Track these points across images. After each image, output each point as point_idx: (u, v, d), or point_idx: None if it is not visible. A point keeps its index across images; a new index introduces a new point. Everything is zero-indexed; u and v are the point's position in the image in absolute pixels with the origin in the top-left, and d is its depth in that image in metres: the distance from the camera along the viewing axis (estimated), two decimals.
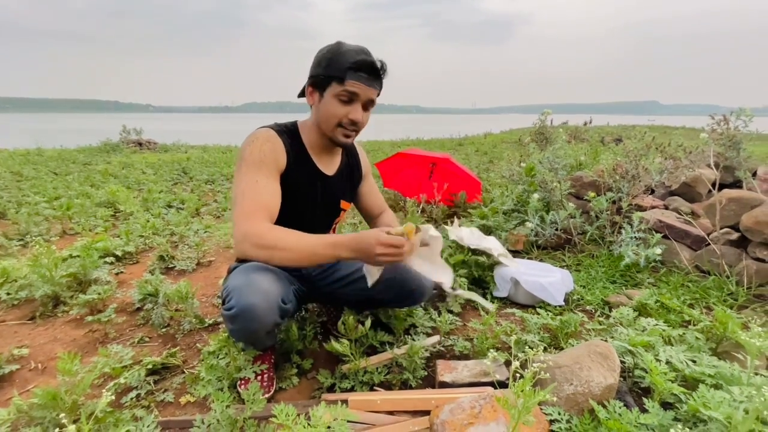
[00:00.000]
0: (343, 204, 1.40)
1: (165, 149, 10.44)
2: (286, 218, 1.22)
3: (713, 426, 0.91)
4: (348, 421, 0.96)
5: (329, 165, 1.32)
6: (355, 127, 1.19)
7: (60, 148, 10.05)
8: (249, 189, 1.10)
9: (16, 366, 1.41)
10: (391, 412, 1.15)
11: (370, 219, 1.54)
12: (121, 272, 2.30)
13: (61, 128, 32.24)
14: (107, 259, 2.33)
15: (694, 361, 1.19)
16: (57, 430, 1.03)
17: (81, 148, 10.00)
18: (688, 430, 0.93)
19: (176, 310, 1.75)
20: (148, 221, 2.96)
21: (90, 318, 1.64)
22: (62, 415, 0.66)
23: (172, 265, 2.33)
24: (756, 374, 1.07)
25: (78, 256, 2.23)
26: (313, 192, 1.28)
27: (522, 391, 0.63)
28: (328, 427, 0.92)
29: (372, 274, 1.16)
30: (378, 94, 1.20)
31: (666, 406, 1.07)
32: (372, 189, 1.51)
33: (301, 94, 1.24)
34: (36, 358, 1.49)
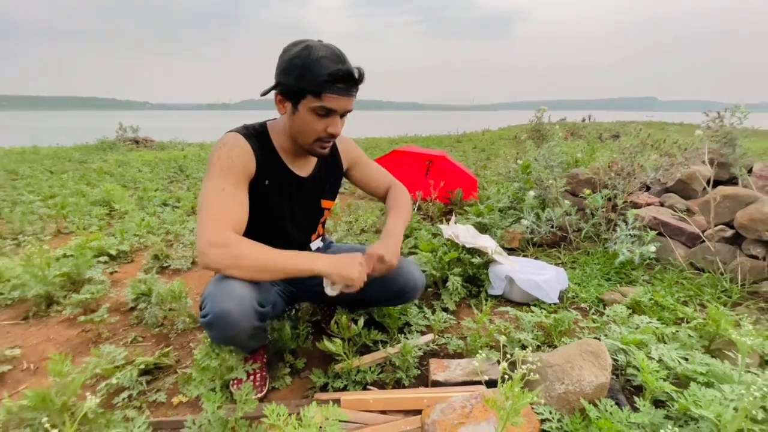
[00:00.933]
0: (325, 203, 1.36)
1: (162, 147, 10.41)
2: (263, 226, 1.19)
3: (704, 424, 0.92)
4: (340, 421, 0.96)
5: (303, 167, 1.27)
6: (334, 138, 1.15)
7: (56, 146, 10.00)
8: (214, 197, 1.05)
9: (8, 367, 1.41)
10: (383, 412, 1.15)
11: (380, 199, 1.52)
12: (116, 271, 2.29)
13: (58, 126, 32.05)
14: (101, 259, 2.32)
15: (686, 359, 1.19)
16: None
17: (77, 146, 9.96)
18: (678, 429, 0.93)
19: (170, 309, 1.75)
20: (143, 220, 2.95)
21: (83, 318, 1.63)
22: (45, 418, 0.65)
23: (167, 264, 2.32)
24: (747, 372, 1.07)
25: (72, 255, 2.22)
26: (287, 196, 1.24)
27: (511, 392, 0.63)
28: (320, 427, 0.92)
29: (333, 288, 1.16)
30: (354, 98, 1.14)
31: (658, 404, 1.08)
32: (367, 172, 1.45)
33: (265, 93, 1.16)
34: (28, 358, 1.49)
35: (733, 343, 1.27)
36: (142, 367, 1.36)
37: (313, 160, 1.31)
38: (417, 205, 3.32)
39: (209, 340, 1.38)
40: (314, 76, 1.02)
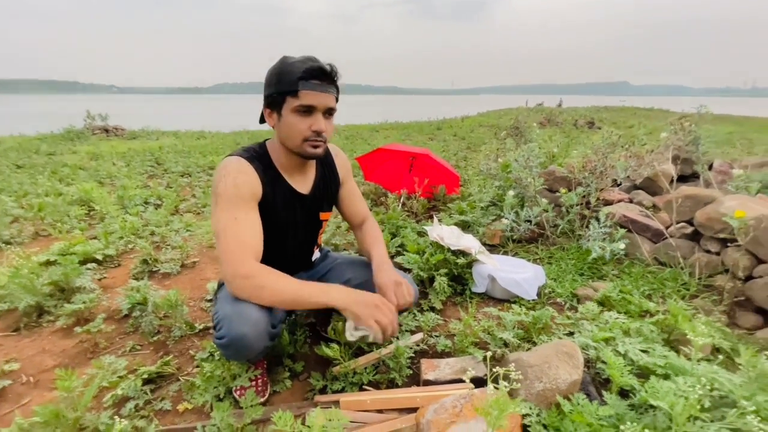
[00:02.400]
0: (323, 216, 1.42)
1: (134, 135, 10.04)
2: (268, 242, 1.23)
3: (660, 414, 1.06)
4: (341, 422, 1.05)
5: (304, 183, 1.32)
6: (321, 137, 1.17)
7: (19, 136, 9.48)
8: (229, 227, 1.10)
9: (9, 381, 1.42)
10: (380, 411, 1.25)
11: (353, 227, 1.55)
12: (104, 277, 2.28)
13: (15, 112, 30.11)
14: (89, 265, 2.30)
15: (647, 352, 1.34)
16: None
17: (42, 136, 9.48)
18: (639, 418, 1.07)
19: (165, 316, 1.78)
20: (126, 221, 2.91)
21: (79, 329, 1.65)
22: None
23: (156, 269, 2.33)
24: (699, 363, 1.23)
25: (56, 261, 2.20)
26: (292, 214, 1.29)
27: (497, 404, 0.73)
28: (324, 428, 1.01)
29: (353, 335, 1.16)
30: (336, 100, 1.18)
31: (624, 393, 1.22)
32: (352, 194, 1.50)
33: (262, 120, 1.22)
34: (27, 371, 1.50)
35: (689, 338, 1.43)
36: (145, 376, 1.41)
37: (312, 175, 1.35)
38: (401, 201, 3.41)
39: (213, 349, 1.45)
40: (289, 76, 1.09)
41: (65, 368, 1.17)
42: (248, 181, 1.16)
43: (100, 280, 2.25)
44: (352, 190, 1.50)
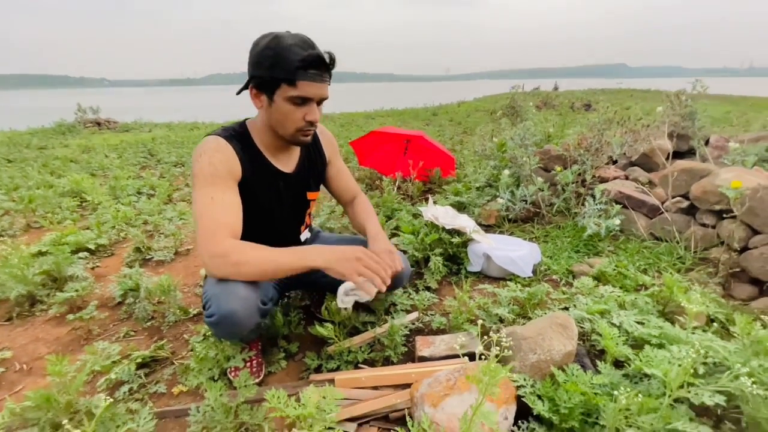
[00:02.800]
0: (310, 195, 1.39)
1: (126, 128, 9.92)
2: (254, 224, 1.21)
3: (654, 381, 1.06)
4: (336, 399, 1.04)
5: (288, 162, 1.29)
6: (313, 126, 1.16)
7: (9, 131, 9.35)
8: (206, 208, 1.07)
9: (1, 369, 1.42)
10: (375, 388, 1.25)
11: (344, 205, 1.54)
12: (97, 266, 2.27)
13: (5, 107, 29.72)
14: (81, 254, 2.28)
15: (642, 323, 1.34)
16: (54, 429, 1.07)
17: (33, 130, 9.35)
18: (633, 386, 1.07)
19: (159, 302, 1.77)
20: (118, 211, 2.88)
21: (71, 316, 1.64)
22: (65, 420, 0.70)
23: (150, 257, 2.31)
24: (693, 332, 1.22)
25: (48, 252, 2.18)
26: (275, 194, 1.26)
27: (488, 370, 0.72)
28: (318, 406, 1.01)
29: (344, 301, 1.14)
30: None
31: (619, 364, 1.22)
32: (340, 172, 1.47)
33: (240, 92, 1.16)
34: (20, 359, 1.50)
35: (684, 307, 1.43)
36: (139, 360, 1.40)
37: (296, 155, 1.33)
38: (396, 184, 3.38)
39: (207, 331, 1.44)
40: (286, 64, 1.03)
41: (59, 355, 1.16)
42: (224, 159, 1.12)
43: (93, 269, 2.23)
44: (340, 168, 1.47)
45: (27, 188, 3.72)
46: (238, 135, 1.19)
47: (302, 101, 1.09)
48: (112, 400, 0.87)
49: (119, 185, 3.70)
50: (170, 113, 14.87)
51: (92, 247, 2.38)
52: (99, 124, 9.96)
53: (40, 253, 2.24)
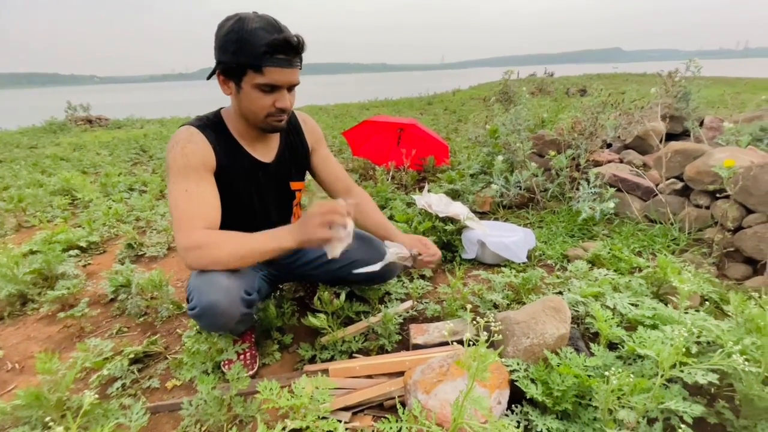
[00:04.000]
0: (294, 185, 1.35)
1: (118, 125, 9.81)
2: (236, 215, 1.19)
3: (647, 362, 1.05)
4: (330, 389, 1.04)
5: (266, 151, 1.24)
6: (285, 112, 1.11)
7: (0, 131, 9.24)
8: (180, 200, 1.05)
9: None
10: (369, 376, 1.24)
11: (335, 194, 1.45)
12: (89, 264, 2.25)
13: None
14: (72, 252, 2.26)
15: (636, 305, 1.33)
16: (44, 430, 1.06)
17: (23, 129, 9.24)
18: (627, 367, 1.07)
19: (152, 298, 1.76)
20: (110, 208, 2.85)
21: (63, 314, 1.62)
22: (48, 417, 0.69)
23: (142, 253, 2.29)
24: (686, 313, 1.22)
25: (39, 251, 2.16)
26: (254, 183, 1.22)
27: (477, 354, 0.71)
28: (311, 396, 1.00)
29: (333, 248, 1.07)
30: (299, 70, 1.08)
31: (613, 346, 1.22)
32: (327, 160, 1.41)
33: (210, 77, 1.11)
34: (11, 358, 1.48)
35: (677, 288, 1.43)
36: (132, 356, 1.39)
37: (276, 144, 1.28)
38: (390, 174, 3.35)
39: (197, 325, 1.42)
40: (251, 48, 0.98)
41: (50, 353, 1.15)
42: (197, 150, 1.08)
43: (85, 266, 2.21)
44: (326, 156, 1.42)
45: (17, 187, 3.67)
46: (212, 124, 1.15)
47: (271, 88, 1.05)
48: (97, 396, 0.86)
49: (110, 182, 3.66)
50: (163, 109, 14.69)
51: (83, 244, 2.36)
52: (90, 121, 9.83)
53: (31, 252, 2.22)
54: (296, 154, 1.33)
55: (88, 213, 2.89)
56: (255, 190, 1.24)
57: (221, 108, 1.22)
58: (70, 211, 3.17)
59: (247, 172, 1.20)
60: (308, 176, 1.46)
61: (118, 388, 1.27)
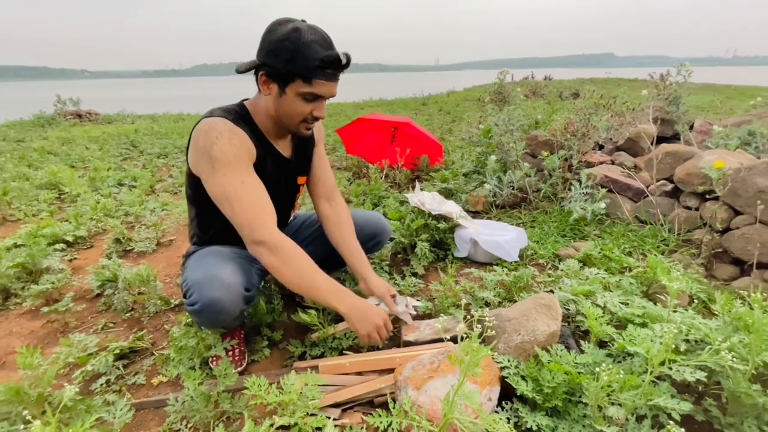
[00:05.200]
0: (300, 179, 1.39)
1: (108, 120, 9.65)
2: None
3: (636, 359, 1.06)
4: (319, 385, 1.02)
5: (286, 147, 1.30)
6: (317, 120, 1.18)
7: None
8: (240, 192, 1.07)
9: None
10: (359, 373, 1.23)
11: (318, 197, 1.42)
12: (75, 258, 2.20)
13: None
14: (57, 246, 2.21)
15: (626, 304, 1.34)
16: (23, 425, 1.03)
17: (11, 123, 9.04)
18: (616, 364, 1.07)
19: (139, 293, 1.73)
20: (98, 202, 2.80)
21: (46, 309, 1.59)
22: (26, 411, 0.66)
23: (130, 248, 2.25)
24: (675, 311, 1.23)
25: (23, 245, 2.11)
26: (278, 178, 1.27)
27: (469, 349, 0.70)
28: (300, 393, 0.99)
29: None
30: None
31: (603, 344, 1.22)
32: (321, 159, 1.42)
33: (244, 71, 1.10)
34: None
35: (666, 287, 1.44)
36: (117, 352, 1.36)
37: (289, 140, 1.32)
38: (384, 173, 3.34)
39: (188, 320, 1.40)
40: (306, 61, 1.02)
41: (32, 348, 1.12)
42: (244, 141, 1.11)
43: (71, 261, 2.17)
44: (322, 155, 1.45)
45: (2, 180, 3.59)
46: (242, 118, 1.16)
47: (314, 98, 1.10)
48: (79, 392, 0.83)
49: (99, 177, 3.60)
50: (154, 105, 14.51)
51: (70, 239, 2.31)
52: (80, 116, 9.66)
53: (15, 246, 2.16)
54: (305, 150, 1.38)
55: (76, 207, 2.83)
56: (276, 183, 1.26)
57: (244, 100, 1.23)
58: (57, 205, 3.11)
59: (275, 166, 1.25)
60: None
61: (102, 384, 1.24)
